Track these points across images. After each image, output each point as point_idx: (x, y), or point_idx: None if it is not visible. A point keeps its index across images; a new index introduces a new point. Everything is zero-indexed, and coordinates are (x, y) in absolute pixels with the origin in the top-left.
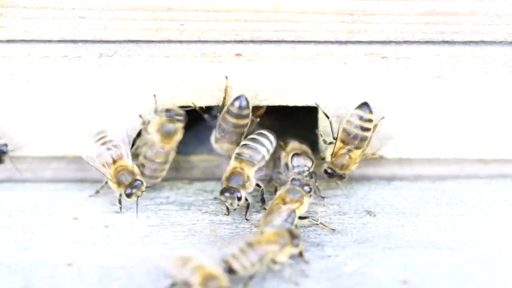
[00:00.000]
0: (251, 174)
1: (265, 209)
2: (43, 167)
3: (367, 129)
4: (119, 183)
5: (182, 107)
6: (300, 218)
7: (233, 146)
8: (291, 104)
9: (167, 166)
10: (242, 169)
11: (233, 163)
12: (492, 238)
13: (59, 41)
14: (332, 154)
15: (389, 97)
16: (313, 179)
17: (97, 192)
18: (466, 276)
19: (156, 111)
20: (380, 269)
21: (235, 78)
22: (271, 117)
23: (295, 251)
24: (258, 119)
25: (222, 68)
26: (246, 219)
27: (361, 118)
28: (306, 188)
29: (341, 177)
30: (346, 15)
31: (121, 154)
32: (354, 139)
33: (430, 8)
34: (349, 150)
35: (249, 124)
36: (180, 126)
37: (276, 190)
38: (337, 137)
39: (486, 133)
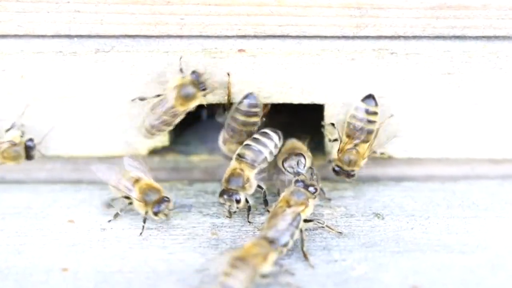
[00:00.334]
0: (252, 175)
1: (268, 211)
2: (37, 168)
3: (373, 122)
4: (145, 202)
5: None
6: (305, 221)
7: (239, 147)
8: (296, 101)
9: (167, 129)
10: (242, 170)
11: (233, 164)
12: (505, 241)
13: (53, 36)
14: (338, 150)
15: (398, 94)
16: (314, 177)
17: (117, 215)
18: (478, 281)
19: (181, 71)
20: (388, 274)
21: (238, 75)
22: (275, 115)
23: (277, 254)
24: (264, 118)
25: (224, 64)
26: (249, 222)
27: (366, 111)
28: (311, 189)
29: (349, 174)
30: (353, 9)
31: (142, 173)
32: (360, 133)
33: (441, 1)
34: (356, 145)
35: (259, 123)
36: (199, 94)
37: (278, 193)
38: (342, 132)
39: (498, 132)
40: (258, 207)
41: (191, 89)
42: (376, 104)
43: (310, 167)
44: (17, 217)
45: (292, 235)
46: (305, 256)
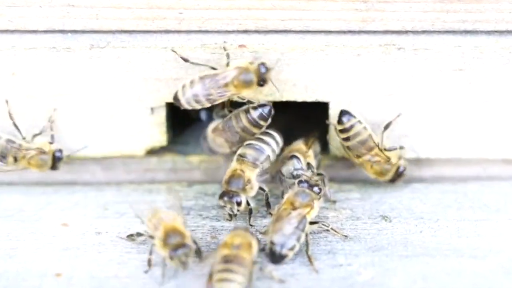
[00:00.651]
0: (253, 176)
1: (271, 214)
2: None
3: (357, 133)
4: (165, 244)
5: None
6: (310, 223)
7: (227, 145)
8: (299, 99)
9: (204, 106)
10: (242, 171)
11: (233, 165)
12: None
13: (46, 31)
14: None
15: (406, 92)
16: (322, 177)
17: (133, 239)
18: (490, 286)
19: (227, 56)
20: (396, 279)
21: None
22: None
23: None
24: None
25: (224, 60)
26: (250, 225)
27: (342, 131)
28: (316, 189)
29: (400, 175)
30: (359, 3)
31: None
32: (360, 148)
33: None
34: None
35: (257, 134)
36: (255, 86)
37: (283, 194)
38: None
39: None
40: (260, 209)
41: (251, 77)
42: (349, 118)
43: (309, 163)
44: (9, 220)
45: (298, 239)
46: (309, 260)
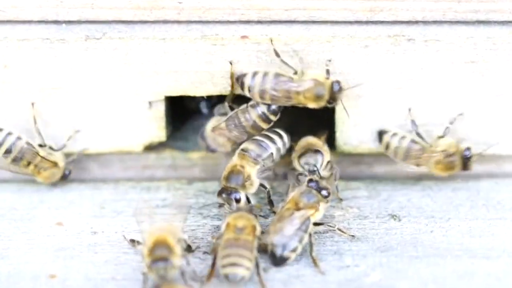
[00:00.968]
0: (253, 173)
1: (274, 212)
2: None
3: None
4: (150, 254)
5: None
6: (315, 224)
7: (229, 144)
8: None
9: (276, 104)
10: (242, 167)
11: (234, 160)
12: None
13: (39, 22)
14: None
15: (416, 85)
16: (334, 172)
17: (133, 246)
18: None
19: (277, 54)
20: (405, 281)
21: (241, 64)
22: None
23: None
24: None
25: (226, 52)
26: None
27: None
28: (324, 192)
29: (467, 165)
30: None
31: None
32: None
33: None
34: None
35: (264, 130)
36: (324, 102)
37: (288, 190)
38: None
39: None
40: (263, 208)
41: (324, 93)
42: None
43: (329, 161)
44: (1, 220)
45: (300, 240)
46: (314, 261)
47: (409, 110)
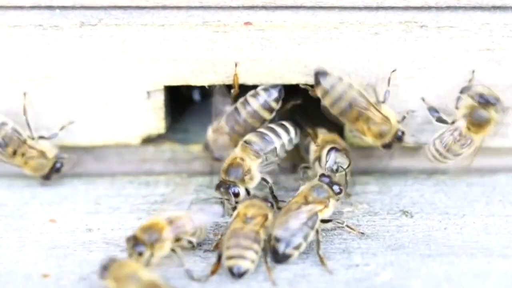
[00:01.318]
0: (254, 166)
1: (279, 208)
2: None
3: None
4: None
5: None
6: (322, 221)
7: (231, 143)
8: (311, 82)
9: None
10: (242, 159)
11: (235, 152)
12: None
13: (32, 8)
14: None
15: (429, 74)
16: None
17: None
18: None
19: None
20: (418, 280)
21: (244, 52)
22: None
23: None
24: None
25: (228, 40)
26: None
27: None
28: (336, 188)
29: None
30: None
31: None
32: None
33: None
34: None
35: (266, 122)
36: (385, 142)
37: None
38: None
39: None
40: None
41: (386, 134)
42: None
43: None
44: None
45: (305, 237)
46: (321, 260)
47: (423, 99)
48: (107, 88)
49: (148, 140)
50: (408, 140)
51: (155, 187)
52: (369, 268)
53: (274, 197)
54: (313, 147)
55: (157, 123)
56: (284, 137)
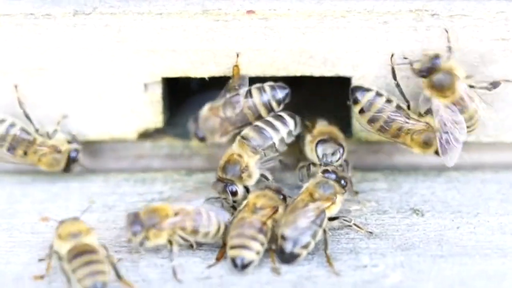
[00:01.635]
0: (252, 163)
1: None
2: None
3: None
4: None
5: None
6: (330, 219)
7: (219, 129)
8: (316, 74)
9: None
10: (240, 156)
11: (232, 148)
12: None
13: None
14: None
15: None
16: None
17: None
18: None
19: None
20: (429, 283)
21: (247, 42)
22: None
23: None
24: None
25: (230, 29)
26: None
27: None
28: (343, 182)
29: None
30: None
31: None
32: None
33: None
34: None
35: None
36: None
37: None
38: None
39: None
40: None
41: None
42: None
43: (346, 160)
44: None
45: (314, 235)
46: (328, 261)
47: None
48: (102, 80)
49: (145, 135)
50: None
51: (152, 185)
52: (377, 269)
53: None
54: (308, 139)
55: (155, 117)
56: (282, 131)
